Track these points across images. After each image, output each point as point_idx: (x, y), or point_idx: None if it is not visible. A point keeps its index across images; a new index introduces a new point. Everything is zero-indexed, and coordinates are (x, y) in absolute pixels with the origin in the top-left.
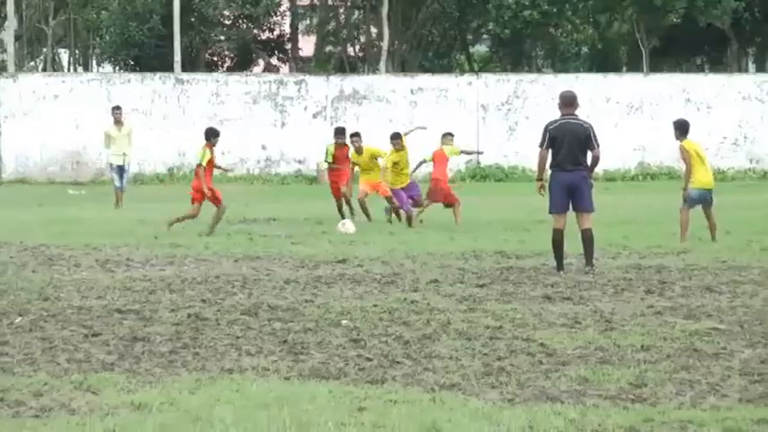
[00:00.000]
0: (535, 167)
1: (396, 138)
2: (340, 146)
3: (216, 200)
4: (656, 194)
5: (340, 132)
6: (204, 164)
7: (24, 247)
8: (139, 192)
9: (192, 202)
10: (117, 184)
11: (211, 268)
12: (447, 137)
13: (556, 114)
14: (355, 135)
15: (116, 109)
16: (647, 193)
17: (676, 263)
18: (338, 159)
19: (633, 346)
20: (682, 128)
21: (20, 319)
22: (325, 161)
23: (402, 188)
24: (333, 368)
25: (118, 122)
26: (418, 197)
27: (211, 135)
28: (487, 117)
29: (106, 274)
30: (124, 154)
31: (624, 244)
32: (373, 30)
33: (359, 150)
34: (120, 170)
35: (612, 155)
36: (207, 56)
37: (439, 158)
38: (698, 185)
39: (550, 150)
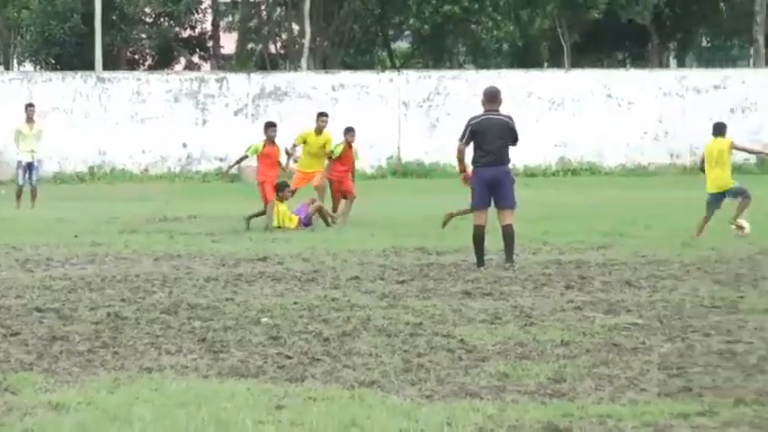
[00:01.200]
0: (455, 162)
1: (350, 131)
2: (270, 142)
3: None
4: (577, 190)
5: (272, 125)
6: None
7: None
8: (60, 191)
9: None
10: (20, 182)
11: (131, 267)
12: (350, 132)
13: (478, 111)
14: (323, 115)
15: (29, 106)
16: (567, 189)
17: (596, 258)
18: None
19: (553, 341)
20: (714, 128)
21: None
22: (246, 154)
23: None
24: (252, 366)
25: (30, 120)
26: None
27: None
28: (409, 114)
29: (26, 274)
30: (32, 151)
31: (544, 239)
32: (295, 27)
33: (319, 131)
34: (29, 167)
35: (534, 151)
36: (128, 54)
37: (347, 155)
38: (709, 190)
39: (472, 145)
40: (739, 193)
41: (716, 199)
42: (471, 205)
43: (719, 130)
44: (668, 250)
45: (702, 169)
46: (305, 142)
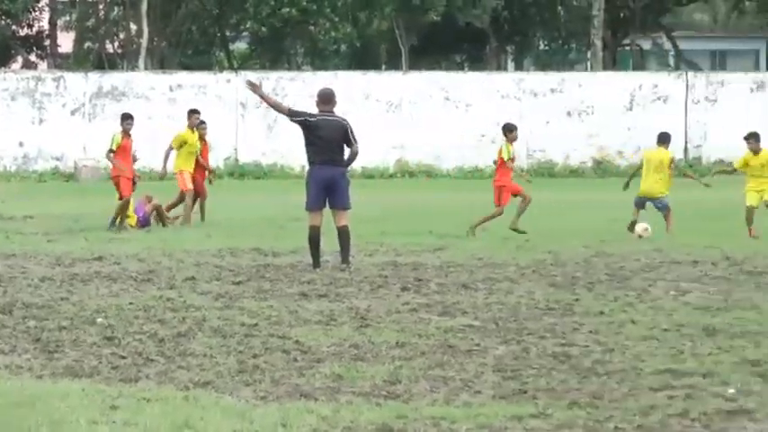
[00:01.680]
0: (295, 165)
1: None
2: (126, 134)
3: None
4: (414, 192)
5: (128, 118)
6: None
7: None
8: None
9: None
10: None
11: None
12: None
13: (314, 111)
14: (194, 112)
15: None
16: (404, 191)
17: (432, 260)
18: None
19: (388, 342)
20: (659, 137)
21: None
22: (110, 150)
23: None
24: (86, 366)
25: None
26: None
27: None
28: (246, 115)
29: None
30: None
31: (381, 241)
32: (133, 26)
33: (192, 128)
34: None
35: (371, 152)
36: None
37: (204, 152)
38: (639, 193)
39: (305, 145)
40: (662, 208)
41: (642, 202)
42: (306, 207)
43: (664, 139)
44: (504, 253)
45: (634, 174)
46: (185, 143)
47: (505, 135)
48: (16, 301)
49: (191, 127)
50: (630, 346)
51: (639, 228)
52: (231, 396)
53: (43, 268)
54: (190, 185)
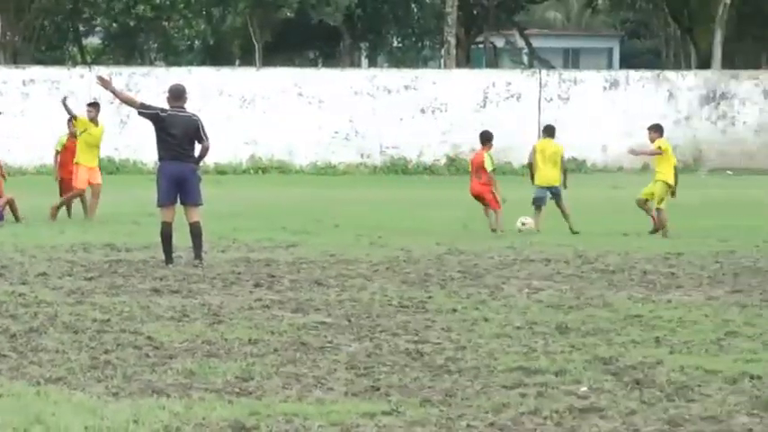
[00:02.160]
0: (148, 160)
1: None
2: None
3: None
4: (267, 188)
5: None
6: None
7: None
8: None
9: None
10: None
11: None
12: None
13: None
14: (93, 105)
15: None
16: (257, 187)
17: (285, 256)
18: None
19: (240, 339)
20: (545, 130)
21: None
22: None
23: None
24: None
25: None
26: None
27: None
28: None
29: None
30: None
31: (234, 237)
32: None
33: (95, 121)
34: None
35: (224, 148)
36: None
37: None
38: (538, 183)
39: (157, 139)
40: (557, 195)
41: (543, 193)
42: (157, 202)
43: (550, 131)
44: (357, 249)
45: (530, 165)
46: (84, 131)
47: (484, 144)
48: None
49: (91, 119)
50: (483, 343)
51: (520, 222)
52: (83, 392)
53: None
54: (82, 185)
